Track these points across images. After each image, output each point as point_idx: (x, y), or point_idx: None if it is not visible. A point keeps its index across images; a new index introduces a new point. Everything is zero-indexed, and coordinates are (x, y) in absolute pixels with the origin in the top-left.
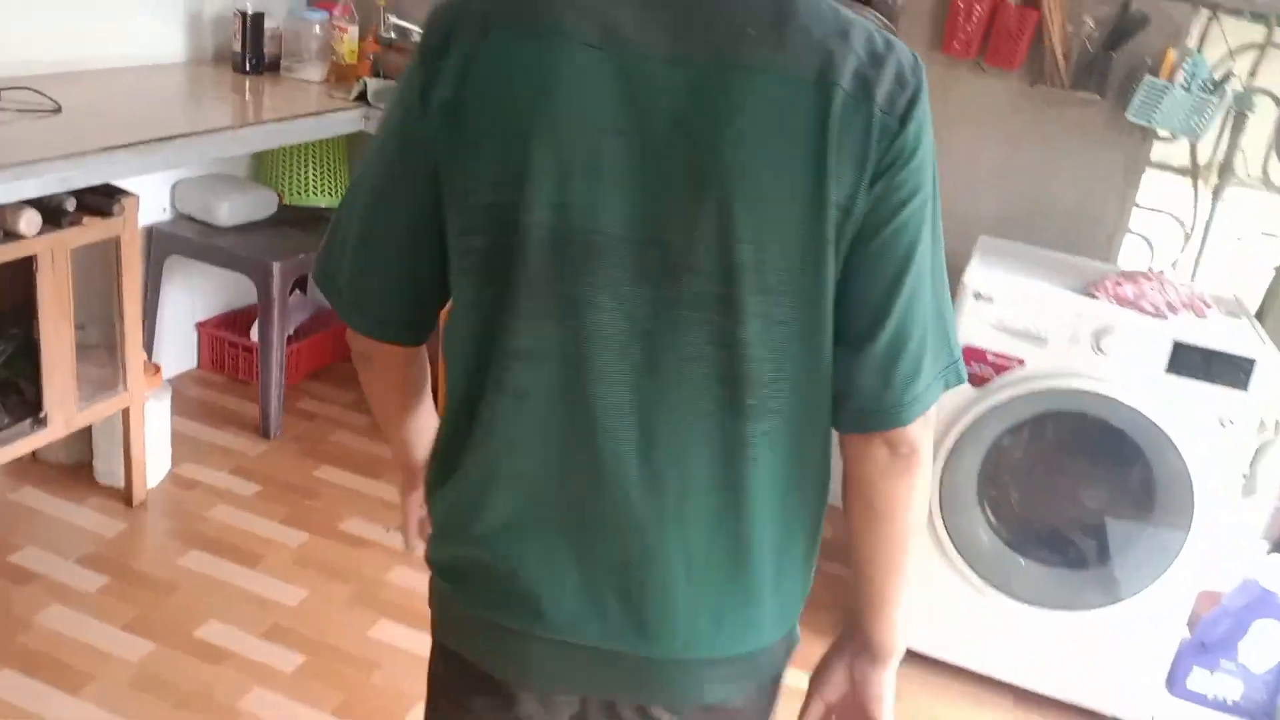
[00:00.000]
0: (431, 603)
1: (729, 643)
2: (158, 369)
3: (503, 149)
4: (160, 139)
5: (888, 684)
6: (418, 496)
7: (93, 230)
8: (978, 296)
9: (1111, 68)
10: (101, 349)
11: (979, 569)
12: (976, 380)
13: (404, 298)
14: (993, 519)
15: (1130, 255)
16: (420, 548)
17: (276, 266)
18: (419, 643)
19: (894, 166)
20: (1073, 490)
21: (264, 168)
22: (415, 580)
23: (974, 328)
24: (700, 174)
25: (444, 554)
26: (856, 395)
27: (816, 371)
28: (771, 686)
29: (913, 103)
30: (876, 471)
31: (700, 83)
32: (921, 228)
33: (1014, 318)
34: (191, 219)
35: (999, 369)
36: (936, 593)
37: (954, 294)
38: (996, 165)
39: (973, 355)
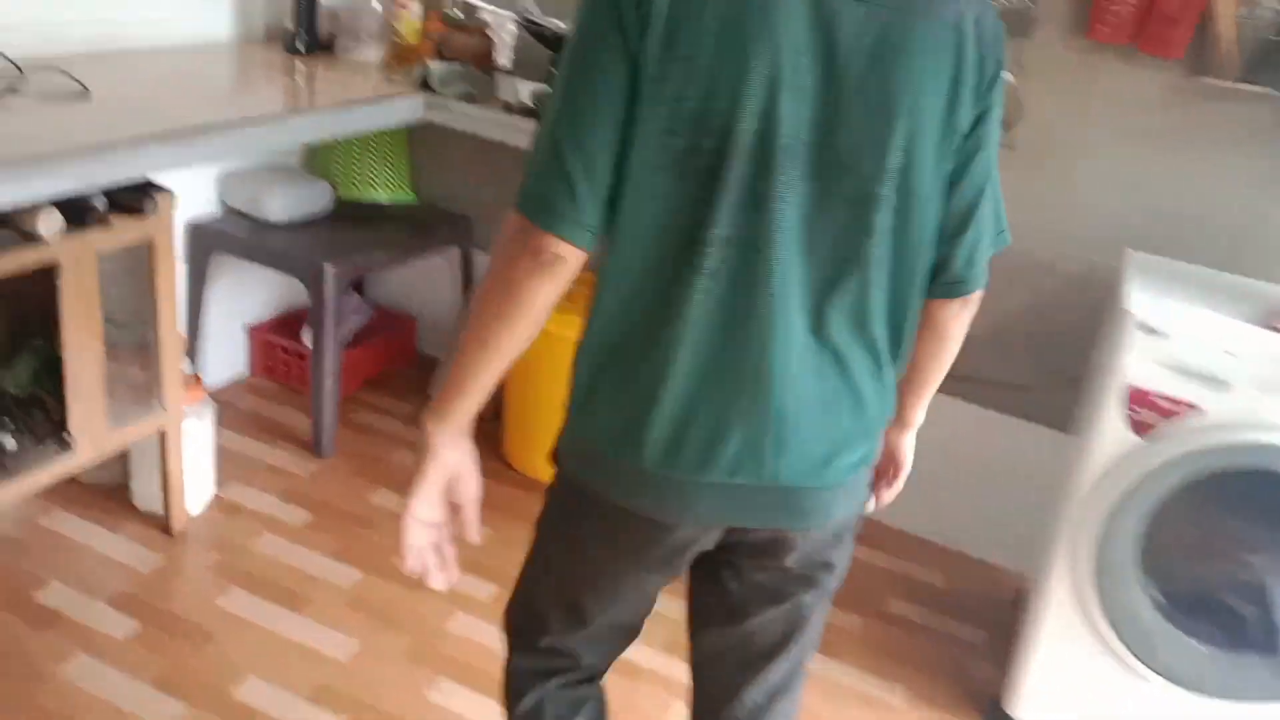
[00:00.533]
0: (579, 467)
1: (848, 469)
2: (199, 382)
3: (717, 63)
4: (197, 129)
5: (910, 445)
6: (470, 467)
7: (123, 232)
8: (1146, 330)
9: None
10: (136, 361)
11: (1137, 649)
12: (1141, 428)
13: (604, 202)
14: (1156, 592)
15: None
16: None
17: (329, 269)
18: (483, 709)
19: (991, 101)
20: (1255, 562)
21: (318, 158)
22: (477, 631)
23: (1140, 365)
24: (873, 93)
25: (615, 420)
26: (948, 271)
27: (922, 256)
28: (861, 509)
29: (1003, 49)
30: (950, 316)
31: (877, 21)
32: (994, 150)
33: (1190, 356)
34: (240, 214)
35: (1168, 415)
36: (1086, 672)
37: (1117, 321)
38: (1147, 168)
39: (1136, 398)
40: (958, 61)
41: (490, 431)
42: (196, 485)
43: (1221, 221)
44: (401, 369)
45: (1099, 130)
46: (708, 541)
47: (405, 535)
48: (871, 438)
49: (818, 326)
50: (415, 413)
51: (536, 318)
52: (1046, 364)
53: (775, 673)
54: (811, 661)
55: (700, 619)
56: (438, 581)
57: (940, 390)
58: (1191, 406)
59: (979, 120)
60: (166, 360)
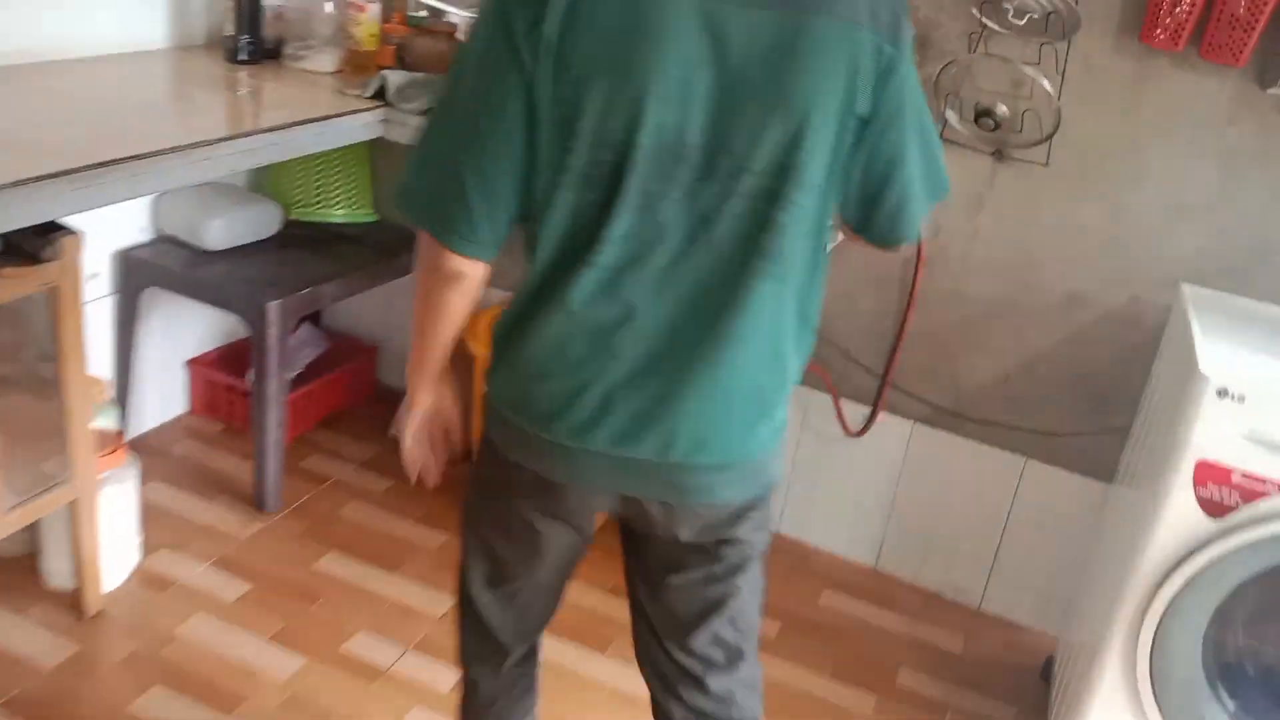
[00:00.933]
0: (491, 424)
1: (743, 451)
2: (119, 440)
3: (610, 82)
4: (105, 165)
5: None
6: (448, 404)
7: (15, 283)
8: (1223, 394)
9: None
10: (44, 414)
11: None
12: (1215, 509)
13: (505, 219)
14: (1226, 698)
15: None
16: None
17: (273, 307)
18: None
19: (891, 83)
20: None
21: (267, 176)
22: None
23: (1214, 437)
24: (768, 95)
25: (516, 388)
26: (876, 229)
27: (821, 245)
28: (769, 491)
29: (904, 34)
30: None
31: (768, 24)
32: (908, 122)
33: (1275, 424)
34: (175, 241)
35: (1249, 495)
36: None
37: (1183, 382)
38: (1205, 191)
39: (1211, 474)
40: (853, 54)
41: (461, 475)
42: (117, 556)
43: None
44: (360, 404)
45: (1150, 147)
46: (605, 505)
47: (405, 459)
48: (768, 421)
49: (715, 316)
50: (374, 456)
51: (455, 317)
52: (1083, 407)
53: (705, 640)
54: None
55: (627, 578)
56: (432, 477)
57: (961, 433)
58: (1276, 485)
59: (880, 102)
60: (75, 426)
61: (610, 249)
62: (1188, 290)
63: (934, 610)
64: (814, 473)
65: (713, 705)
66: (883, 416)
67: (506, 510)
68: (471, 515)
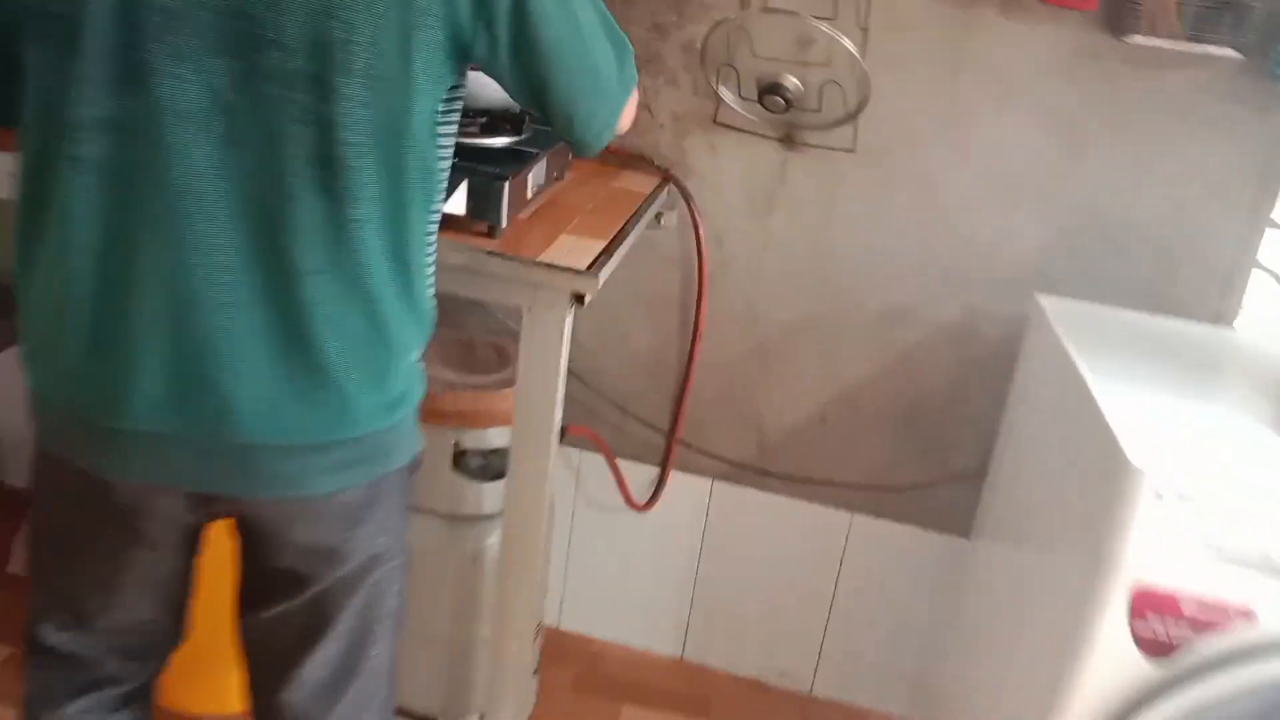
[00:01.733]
0: (31, 407)
1: (340, 425)
2: None
3: None
4: None
5: None
6: None
7: None
8: (1165, 496)
9: (1251, 9)
10: None
11: None
12: (1158, 648)
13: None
14: None
15: (1259, 302)
16: None
17: None
18: None
19: None
20: None
21: None
22: None
23: (1155, 553)
24: None
25: (33, 351)
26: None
27: (406, 159)
28: (390, 485)
29: None
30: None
31: None
32: (551, 22)
33: (1231, 530)
34: None
35: (1200, 627)
36: None
37: (1116, 486)
38: (1047, 167)
39: (1154, 604)
40: None
41: None
42: None
43: (1147, 231)
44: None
45: (978, 118)
46: (175, 506)
47: None
48: (375, 386)
49: (265, 240)
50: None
51: None
52: (915, 448)
53: (316, 669)
54: (380, 659)
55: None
56: None
57: (771, 490)
58: (1241, 613)
59: (491, 5)
60: None
61: (92, 140)
62: (1048, 305)
63: (759, 706)
64: (595, 554)
65: None
66: (674, 479)
67: (60, 521)
68: (34, 542)
